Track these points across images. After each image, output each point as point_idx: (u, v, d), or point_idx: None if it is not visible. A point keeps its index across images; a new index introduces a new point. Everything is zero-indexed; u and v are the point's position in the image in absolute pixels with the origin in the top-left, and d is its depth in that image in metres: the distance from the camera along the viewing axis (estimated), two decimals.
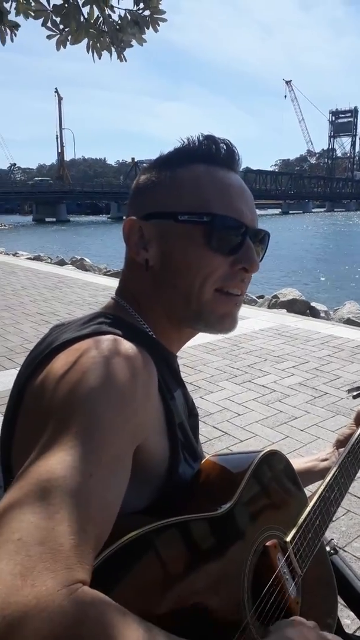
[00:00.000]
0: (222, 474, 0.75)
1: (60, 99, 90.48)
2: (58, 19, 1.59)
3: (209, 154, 0.74)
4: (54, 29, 1.61)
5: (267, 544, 0.67)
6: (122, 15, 1.66)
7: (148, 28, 1.64)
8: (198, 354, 4.88)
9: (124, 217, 0.78)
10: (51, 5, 1.60)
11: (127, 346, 0.62)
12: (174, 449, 0.68)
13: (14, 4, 1.57)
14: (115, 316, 0.72)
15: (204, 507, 0.64)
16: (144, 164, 0.82)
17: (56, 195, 66.29)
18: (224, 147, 0.75)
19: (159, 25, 1.65)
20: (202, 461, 0.78)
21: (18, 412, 0.65)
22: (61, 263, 13.25)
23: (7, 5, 1.57)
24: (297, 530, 0.74)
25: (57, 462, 0.47)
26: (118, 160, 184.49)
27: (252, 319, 6.32)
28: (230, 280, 0.73)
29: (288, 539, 0.72)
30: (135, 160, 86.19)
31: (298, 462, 0.99)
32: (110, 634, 0.38)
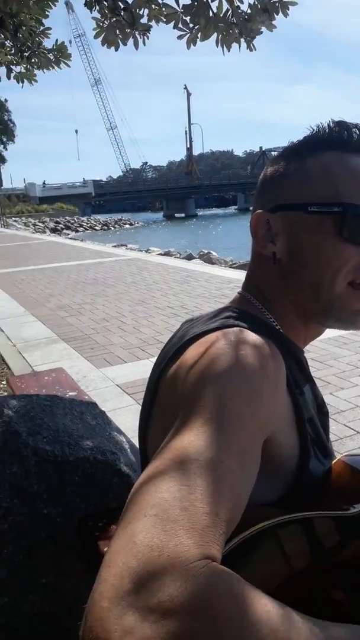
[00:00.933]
0: (355, 475, 0.72)
1: (189, 95, 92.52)
2: (188, 18, 1.62)
3: (340, 141, 0.71)
4: (184, 28, 1.64)
5: None
6: (252, 3, 1.62)
7: (277, 14, 1.58)
8: (328, 348, 4.66)
9: (251, 208, 0.77)
10: (181, 6, 1.63)
11: (254, 338, 0.62)
12: (303, 444, 0.67)
13: (146, 10, 1.62)
14: (241, 310, 0.73)
15: (335, 506, 0.62)
16: (272, 153, 0.80)
17: (185, 191, 68.14)
18: (357, 132, 0.71)
19: (288, 9, 1.59)
20: (334, 460, 0.75)
21: (154, 403, 0.69)
22: (189, 257, 13.60)
23: (139, 12, 1.64)
24: None
25: (188, 450, 0.48)
26: (245, 151, 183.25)
27: None
28: None
29: None
30: (263, 149, 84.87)
31: None
32: (241, 606, 0.39)
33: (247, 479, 0.52)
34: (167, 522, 0.42)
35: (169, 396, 0.62)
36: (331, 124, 0.73)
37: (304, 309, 0.74)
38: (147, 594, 0.37)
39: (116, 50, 2.06)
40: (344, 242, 0.68)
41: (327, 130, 0.73)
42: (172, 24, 1.63)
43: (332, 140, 0.72)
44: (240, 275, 9.08)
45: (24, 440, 1.37)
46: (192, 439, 0.49)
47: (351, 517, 0.61)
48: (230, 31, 1.63)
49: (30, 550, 1.38)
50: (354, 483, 0.70)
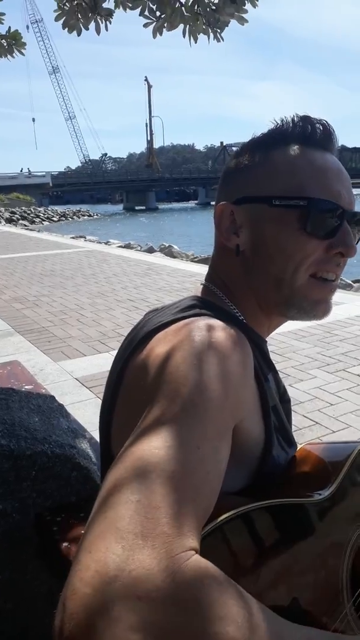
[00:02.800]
0: (318, 463, 0.73)
1: (149, 87, 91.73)
2: (154, 6, 1.59)
3: (304, 135, 0.72)
4: (150, 16, 1.61)
5: None
6: None
7: (245, 5, 1.57)
8: (287, 341, 4.76)
9: (212, 203, 0.76)
10: None
11: (222, 325, 0.62)
12: (268, 431, 0.68)
13: None
14: (206, 300, 0.73)
15: (299, 494, 0.63)
16: (233, 148, 0.80)
17: (145, 184, 67.73)
18: (320, 127, 0.73)
19: (257, 0, 1.58)
20: (297, 449, 0.76)
21: (118, 392, 0.68)
22: (150, 250, 13.54)
23: None
24: None
25: (164, 437, 0.48)
26: (206, 145, 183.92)
27: (346, 305, 6.03)
28: (326, 265, 0.71)
29: None
30: (224, 145, 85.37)
31: None
32: (225, 601, 0.39)
33: (222, 463, 0.52)
34: (149, 508, 0.42)
35: (137, 385, 0.61)
36: (295, 119, 0.73)
37: (266, 300, 0.74)
38: (133, 583, 0.37)
39: (78, 35, 2.00)
40: (306, 235, 0.69)
41: (291, 125, 0.73)
42: (137, 12, 1.59)
43: (296, 134, 0.72)
44: (202, 269, 9.12)
45: None
46: (168, 429, 0.49)
47: (318, 503, 0.62)
48: (198, 22, 1.62)
49: None
50: (318, 471, 0.71)
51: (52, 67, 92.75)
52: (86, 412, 3.38)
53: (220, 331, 0.60)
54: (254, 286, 0.74)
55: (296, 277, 0.70)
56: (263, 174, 0.72)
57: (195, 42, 1.79)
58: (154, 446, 0.47)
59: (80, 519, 1.35)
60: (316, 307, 0.73)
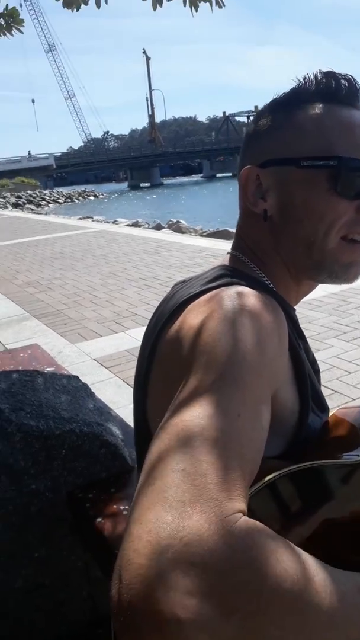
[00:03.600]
0: (352, 426, 0.73)
1: (148, 59, 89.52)
2: None
3: (329, 92, 0.69)
4: None
5: None
6: None
7: None
8: (302, 311, 4.72)
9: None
10: None
11: (256, 294, 0.61)
12: (304, 399, 0.68)
13: None
14: (235, 269, 0.72)
15: (335, 457, 0.63)
16: (236, 118, 0.77)
17: (149, 159, 66.81)
18: (345, 83, 0.70)
19: None
20: (330, 415, 0.76)
21: (151, 366, 0.67)
22: (158, 227, 13.45)
23: None
24: None
25: (204, 406, 0.48)
26: (209, 116, 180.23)
27: None
28: (357, 227, 0.69)
29: None
30: (227, 115, 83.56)
31: None
32: (279, 558, 0.40)
33: (263, 429, 0.52)
34: (195, 476, 0.42)
35: (172, 356, 0.61)
36: (319, 75, 0.70)
37: (296, 265, 0.73)
38: (186, 549, 0.37)
39: (77, 10, 1.94)
40: (337, 196, 0.67)
41: (314, 82, 0.70)
42: None
43: (321, 91, 0.70)
44: (212, 244, 9.05)
45: (7, 417, 1.34)
46: (209, 395, 0.49)
47: (356, 464, 0.62)
48: None
49: (21, 526, 1.37)
50: (350, 435, 0.71)
51: (49, 44, 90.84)
52: (107, 391, 3.42)
53: (253, 299, 0.60)
54: (283, 251, 0.72)
55: (327, 239, 0.69)
56: (289, 135, 0.70)
57: (197, 11, 1.73)
58: (196, 416, 0.47)
59: (111, 494, 1.38)
60: (348, 270, 0.72)
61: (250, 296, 0.60)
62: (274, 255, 0.73)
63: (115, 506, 1.31)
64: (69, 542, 1.47)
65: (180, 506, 0.40)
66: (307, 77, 0.71)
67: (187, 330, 0.59)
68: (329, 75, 0.70)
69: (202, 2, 1.79)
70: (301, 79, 0.71)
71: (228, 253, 0.78)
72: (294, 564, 0.40)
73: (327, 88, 0.70)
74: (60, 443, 1.36)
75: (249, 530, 0.40)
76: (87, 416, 1.45)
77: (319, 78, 0.70)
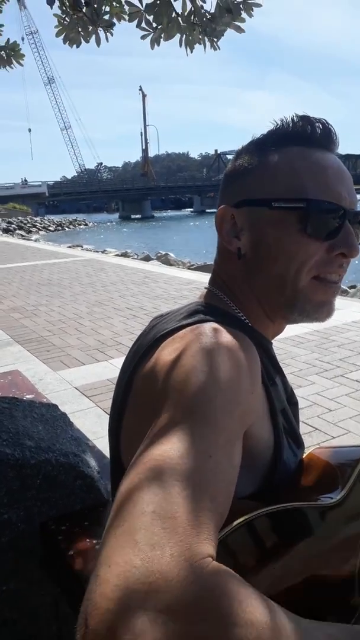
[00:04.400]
0: (329, 466, 0.73)
1: (144, 96, 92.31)
2: (151, 17, 1.61)
3: (304, 135, 0.71)
4: (147, 27, 1.63)
5: None
6: (216, 3, 1.63)
7: (240, 15, 1.60)
8: (285, 347, 4.77)
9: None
10: (144, 5, 1.62)
11: (229, 331, 0.62)
12: (278, 435, 0.68)
13: (107, 8, 1.61)
14: (211, 305, 0.73)
15: (310, 497, 0.64)
16: (227, 156, 0.80)
17: (141, 192, 67.92)
18: (320, 126, 0.72)
19: (252, 10, 1.61)
20: (306, 453, 0.77)
21: (127, 399, 0.68)
22: (147, 259, 13.58)
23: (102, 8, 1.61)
24: None
25: (177, 443, 0.48)
26: (201, 153, 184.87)
27: (343, 310, 6.06)
28: (328, 267, 0.70)
29: None
30: (219, 152, 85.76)
31: None
32: (246, 607, 0.39)
33: (234, 470, 0.52)
34: (165, 519, 0.41)
35: (146, 392, 0.61)
36: (295, 118, 0.72)
37: (269, 302, 0.74)
38: (153, 595, 0.36)
39: (77, 47, 2.02)
40: (307, 237, 0.68)
41: (290, 125, 0.72)
42: (134, 23, 1.62)
43: (296, 134, 0.71)
44: (199, 277, 9.14)
45: None
46: (179, 438, 0.49)
47: (331, 507, 0.63)
48: (194, 31, 1.64)
49: None
50: (329, 474, 0.71)
51: (48, 77, 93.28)
52: (86, 421, 3.38)
53: (226, 336, 0.60)
54: (256, 289, 0.74)
55: (299, 278, 0.70)
56: (263, 176, 0.71)
57: (192, 52, 1.82)
58: (167, 455, 0.47)
59: (85, 527, 1.35)
60: (319, 309, 0.73)
61: (223, 333, 0.61)
62: (248, 292, 0.75)
63: (87, 540, 1.29)
64: (39, 576, 1.43)
65: (149, 550, 0.39)
66: (284, 119, 0.73)
67: (161, 367, 0.60)
68: (305, 119, 0.72)
69: (198, 44, 1.88)
70: (278, 122, 0.73)
71: (205, 288, 0.80)
72: (261, 615, 0.39)
73: (303, 131, 0.71)
74: (36, 472, 1.34)
75: (217, 577, 0.39)
76: (64, 446, 1.43)
77: (295, 121, 0.72)
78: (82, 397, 3.83)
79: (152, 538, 0.40)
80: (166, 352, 0.62)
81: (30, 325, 6.04)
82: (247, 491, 0.66)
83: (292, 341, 4.95)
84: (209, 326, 0.63)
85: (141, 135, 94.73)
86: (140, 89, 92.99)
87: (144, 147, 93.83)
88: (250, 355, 0.62)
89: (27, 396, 2.20)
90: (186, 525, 0.41)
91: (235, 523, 0.52)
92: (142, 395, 0.63)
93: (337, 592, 0.61)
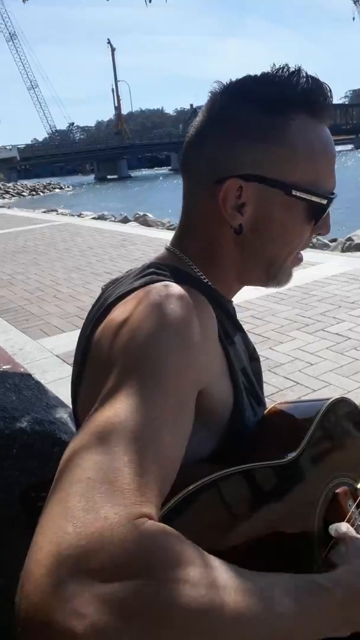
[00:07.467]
0: (288, 422, 0.74)
1: (113, 49, 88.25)
2: None
3: (315, 103, 0.66)
4: None
5: (337, 491, 0.67)
6: None
7: None
8: (266, 304, 4.78)
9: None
10: None
11: (180, 290, 0.60)
12: (237, 393, 0.67)
13: None
14: (168, 265, 0.70)
15: (270, 455, 0.63)
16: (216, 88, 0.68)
17: (116, 152, 66.07)
18: (328, 93, 0.66)
19: None
20: (267, 409, 0.76)
21: (84, 366, 0.66)
22: (124, 220, 13.32)
23: None
24: None
25: (122, 407, 0.47)
26: (176, 109, 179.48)
27: (323, 264, 6.06)
28: (306, 244, 0.74)
29: (359, 485, 0.71)
30: (194, 107, 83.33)
31: None
32: (180, 563, 0.39)
33: (183, 433, 0.51)
34: (101, 484, 0.41)
35: (98, 354, 0.60)
36: (310, 81, 0.64)
37: (249, 275, 0.75)
38: (85, 559, 0.36)
39: None
40: (309, 226, 0.70)
41: (302, 86, 0.64)
42: None
43: (307, 100, 0.65)
44: None
45: None
46: (126, 400, 0.48)
47: (287, 464, 0.62)
48: None
49: None
50: (288, 430, 0.71)
51: (9, 33, 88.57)
52: (69, 388, 3.37)
53: (177, 297, 0.59)
54: (242, 261, 0.72)
55: (288, 259, 0.73)
56: (278, 152, 0.65)
57: (150, 2, 1.70)
58: (110, 422, 0.46)
59: None
60: (289, 279, 0.76)
61: (176, 293, 0.59)
62: (229, 261, 0.72)
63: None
64: (24, 543, 1.44)
65: (82, 515, 0.39)
66: (286, 68, 0.64)
67: (110, 332, 0.58)
68: (318, 85, 0.65)
69: None
70: (285, 72, 0.64)
71: (166, 249, 0.76)
72: (199, 572, 0.39)
73: (315, 98, 0.65)
74: (11, 443, 1.33)
75: (153, 535, 0.39)
76: (39, 414, 1.42)
77: (302, 80, 0.64)
78: (64, 365, 3.82)
79: (87, 503, 0.39)
80: (115, 316, 0.60)
81: (7, 294, 5.94)
82: (207, 451, 0.65)
83: (273, 297, 4.95)
84: (160, 285, 0.61)
85: (113, 92, 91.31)
86: (109, 42, 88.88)
87: (116, 105, 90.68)
88: (204, 312, 0.60)
89: (4, 367, 2.17)
90: (124, 489, 0.41)
91: (187, 489, 0.51)
92: (95, 363, 0.61)
93: (297, 553, 0.60)
